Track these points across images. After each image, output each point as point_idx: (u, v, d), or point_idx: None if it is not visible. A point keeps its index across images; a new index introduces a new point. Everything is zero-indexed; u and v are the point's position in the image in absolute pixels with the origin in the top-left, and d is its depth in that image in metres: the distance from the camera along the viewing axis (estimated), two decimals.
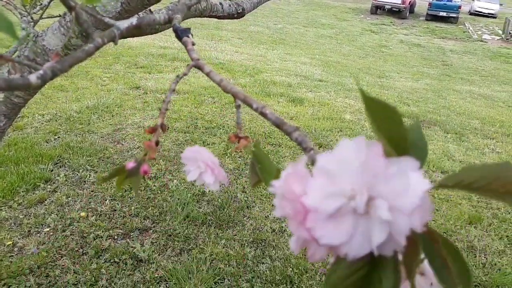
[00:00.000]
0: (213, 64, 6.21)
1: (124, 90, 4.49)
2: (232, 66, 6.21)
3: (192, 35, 0.44)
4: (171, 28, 0.47)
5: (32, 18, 1.37)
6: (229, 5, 1.50)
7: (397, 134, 0.20)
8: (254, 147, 0.35)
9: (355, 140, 0.19)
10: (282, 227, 2.44)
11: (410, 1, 16.69)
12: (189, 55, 0.41)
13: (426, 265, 0.24)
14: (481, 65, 9.78)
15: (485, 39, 13.90)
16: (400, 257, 0.20)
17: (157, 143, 0.37)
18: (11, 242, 2.11)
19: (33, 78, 0.32)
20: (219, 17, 1.49)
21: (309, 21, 13.29)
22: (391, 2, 16.17)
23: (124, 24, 0.43)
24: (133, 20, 0.44)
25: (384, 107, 0.19)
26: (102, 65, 5.29)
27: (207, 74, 0.39)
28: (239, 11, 1.53)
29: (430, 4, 16.64)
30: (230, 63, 6.43)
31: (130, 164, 0.37)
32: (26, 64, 0.42)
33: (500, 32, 15.01)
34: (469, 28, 15.54)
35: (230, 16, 1.52)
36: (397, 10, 16.39)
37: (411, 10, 17.79)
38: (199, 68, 0.39)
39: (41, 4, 1.62)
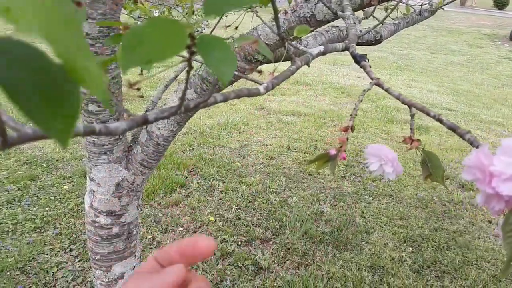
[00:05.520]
0: (334, 88, 6.27)
1: (250, 110, 4.81)
2: (353, 91, 6.19)
3: (368, 59, 0.53)
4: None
5: None
6: (368, 33, 1.56)
7: None
8: (424, 148, 0.43)
9: None
10: (402, 256, 2.37)
11: None
12: (368, 75, 0.49)
13: None
14: None
15: None
16: None
17: (347, 138, 0.47)
18: (151, 236, 2.41)
19: (261, 88, 0.44)
20: (357, 44, 1.57)
21: (437, 47, 12.61)
22: None
23: (315, 50, 0.53)
24: (321, 48, 0.54)
25: None
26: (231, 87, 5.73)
27: (386, 90, 0.47)
28: (377, 38, 1.59)
29: None
30: (351, 87, 6.43)
31: (332, 151, 0.47)
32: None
33: None
34: None
35: (368, 43, 1.58)
36: None
37: None
38: (379, 85, 0.47)
39: None
